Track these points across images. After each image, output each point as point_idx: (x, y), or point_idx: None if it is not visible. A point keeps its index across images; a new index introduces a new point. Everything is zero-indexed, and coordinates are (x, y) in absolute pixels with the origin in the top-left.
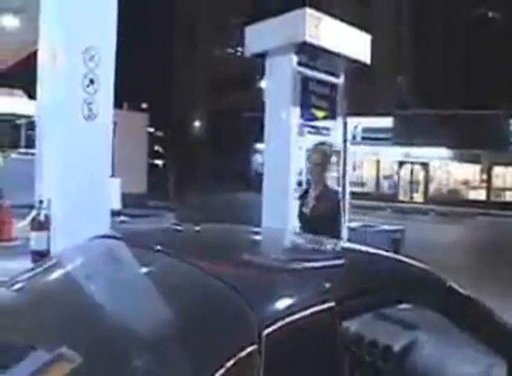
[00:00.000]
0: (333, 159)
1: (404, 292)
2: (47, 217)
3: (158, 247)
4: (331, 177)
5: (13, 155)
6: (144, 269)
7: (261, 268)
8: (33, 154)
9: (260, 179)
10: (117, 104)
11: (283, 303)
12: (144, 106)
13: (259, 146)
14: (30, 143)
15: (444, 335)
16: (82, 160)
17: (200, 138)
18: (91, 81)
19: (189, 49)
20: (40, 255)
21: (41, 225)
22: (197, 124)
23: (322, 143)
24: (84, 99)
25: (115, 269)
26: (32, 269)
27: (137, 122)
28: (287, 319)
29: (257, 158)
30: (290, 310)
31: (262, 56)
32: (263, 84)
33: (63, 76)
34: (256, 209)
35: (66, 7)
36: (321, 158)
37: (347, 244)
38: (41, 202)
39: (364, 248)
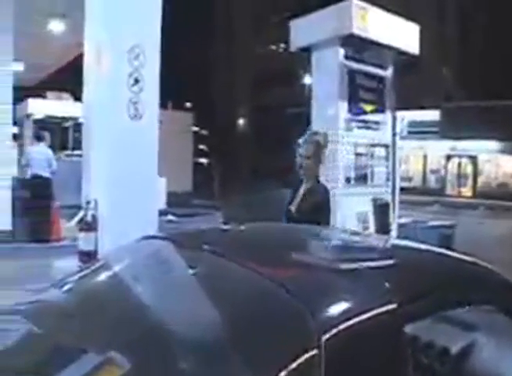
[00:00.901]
0: (327, 151)
1: (467, 293)
2: (94, 217)
3: (208, 248)
4: (324, 171)
5: (62, 157)
6: (195, 271)
7: (317, 269)
8: (80, 156)
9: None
10: (162, 104)
11: (342, 306)
12: (188, 105)
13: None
14: (77, 145)
15: (506, 338)
16: (129, 159)
17: (244, 135)
18: (136, 80)
19: (232, 46)
20: (87, 256)
21: (88, 225)
22: (241, 121)
23: (315, 133)
24: (129, 98)
25: (163, 270)
26: (80, 271)
27: (182, 121)
28: (348, 323)
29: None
30: (350, 313)
31: (308, 50)
32: (307, 79)
33: (108, 76)
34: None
35: (111, 7)
36: (313, 150)
37: (404, 242)
38: (88, 203)
39: (422, 246)
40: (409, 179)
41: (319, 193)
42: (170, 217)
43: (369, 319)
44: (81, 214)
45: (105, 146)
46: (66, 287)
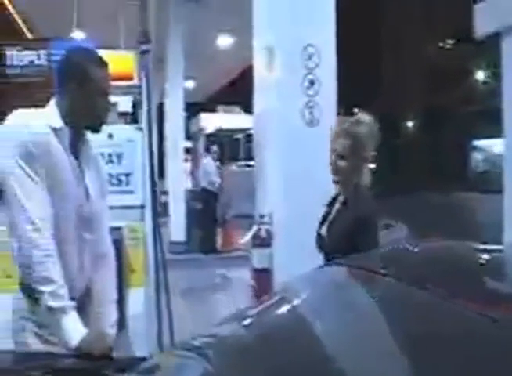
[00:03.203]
0: (372, 146)
1: None
2: (269, 232)
3: (407, 279)
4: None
5: (233, 168)
6: (394, 314)
7: None
8: (250, 166)
9: (481, 178)
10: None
11: None
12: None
13: (478, 142)
14: (248, 156)
15: None
16: (305, 168)
17: (414, 137)
18: (312, 83)
19: (399, 47)
20: (262, 273)
21: (262, 241)
22: (411, 123)
23: (357, 120)
24: (304, 102)
25: (354, 308)
26: (259, 304)
27: None
28: None
29: (476, 156)
30: None
31: (497, 36)
32: (479, 75)
33: (281, 80)
34: (478, 210)
35: (279, 8)
36: (349, 146)
37: None
38: (262, 216)
39: None
40: None
41: (360, 206)
42: None
43: None
44: (254, 229)
45: (279, 155)
46: (244, 323)
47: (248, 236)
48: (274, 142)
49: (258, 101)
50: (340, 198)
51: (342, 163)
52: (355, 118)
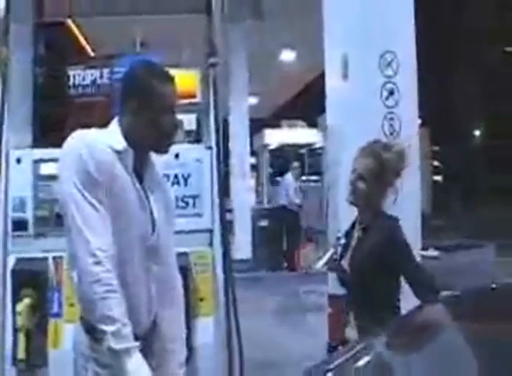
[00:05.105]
0: (398, 171)
1: None
2: None
3: None
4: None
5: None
6: None
7: None
8: (315, 181)
9: None
10: None
11: None
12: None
13: None
14: (312, 171)
15: None
16: None
17: (480, 148)
18: (391, 92)
19: (466, 51)
20: (338, 300)
21: (337, 266)
22: (478, 132)
23: (385, 145)
24: (384, 114)
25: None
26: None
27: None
28: None
29: None
30: None
31: None
32: None
33: (357, 90)
34: None
35: (354, 15)
36: (371, 167)
37: None
38: (338, 239)
39: None
40: None
41: (385, 232)
42: (431, 252)
43: None
44: (329, 253)
45: None
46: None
47: (323, 261)
48: (351, 157)
49: (331, 114)
50: (359, 225)
51: (361, 185)
52: (385, 142)
